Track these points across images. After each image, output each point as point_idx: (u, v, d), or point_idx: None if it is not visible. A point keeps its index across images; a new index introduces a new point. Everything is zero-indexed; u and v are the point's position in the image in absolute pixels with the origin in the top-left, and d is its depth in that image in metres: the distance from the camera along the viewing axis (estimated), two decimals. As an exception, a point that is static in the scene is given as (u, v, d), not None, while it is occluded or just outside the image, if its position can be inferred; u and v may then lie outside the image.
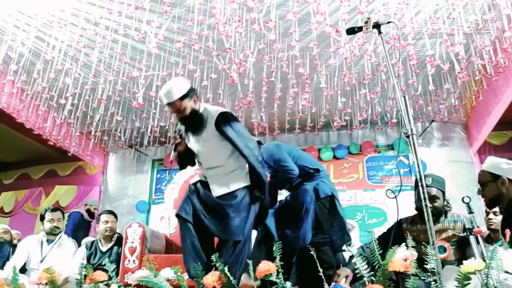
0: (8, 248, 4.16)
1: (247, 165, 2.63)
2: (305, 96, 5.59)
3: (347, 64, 5.05)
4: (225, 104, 5.90)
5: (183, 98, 2.55)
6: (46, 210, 3.85)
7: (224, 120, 2.61)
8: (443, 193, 2.78)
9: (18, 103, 5.67)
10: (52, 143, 6.59)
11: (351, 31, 2.47)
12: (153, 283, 1.55)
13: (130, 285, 1.72)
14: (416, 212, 2.85)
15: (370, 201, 6.88)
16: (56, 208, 3.93)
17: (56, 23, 4.55)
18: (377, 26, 2.35)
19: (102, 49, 4.66)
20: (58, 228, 3.75)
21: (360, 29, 2.42)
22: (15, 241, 5.02)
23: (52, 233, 3.73)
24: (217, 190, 2.55)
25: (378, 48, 4.73)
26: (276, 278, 1.63)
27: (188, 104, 2.58)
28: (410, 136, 2.07)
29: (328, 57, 4.87)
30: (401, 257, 1.83)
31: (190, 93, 2.60)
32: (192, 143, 2.70)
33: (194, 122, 2.63)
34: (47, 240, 3.72)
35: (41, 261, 3.54)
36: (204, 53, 4.71)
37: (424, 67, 5.07)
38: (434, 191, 2.71)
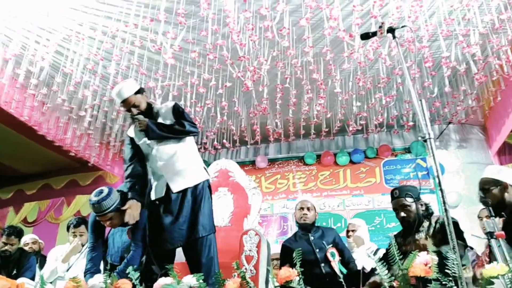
0: (34, 258, 4.26)
1: None
2: (320, 101, 5.61)
3: (362, 68, 5.05)
4: (240, 111, 5.95)
5: (136, 93, 2.67)
6: (70, 225, 3.90)
7: (179, 107, 2.74)
8: (416, 199, 2.72)
9: (39, 116, 5.82)
10: (72, 154, 6.73)
11: (366, 36, 2.49)
12: (177, 291, 1.58)
13: None
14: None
15: (388, 205, 6.74)
16: (79, 222, 3.95)
17: (74, 37, 4.68)
18: (391, 30, 2.35)
19: (119, 61, 4.76)
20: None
21: (374, 34, 2.43)
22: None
23: None
24: None
25: (392, 51, 4.71)
26: (298, 285, 1.64)
27: (142, 99, 2.70)
28: (428, 140, 2.06)
29: (342, 62, 4.87)
30: (422, 262, 1.83)
31: (141, 90, 2.74)
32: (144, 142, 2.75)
33: (150, 116, 2.71)
34: None
35: (67, 270, 3.63)
36: (219, 62, 4.77)
37: (440, 69, 5.02)
38: (403, 200, 2.73)
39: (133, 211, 2.51)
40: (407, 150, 7.19)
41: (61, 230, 7.76)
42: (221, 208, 4.03)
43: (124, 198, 2.70)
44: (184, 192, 2.62)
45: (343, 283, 1.76)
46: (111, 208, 2.58)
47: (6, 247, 4.00)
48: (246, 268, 3.04)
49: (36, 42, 4.82)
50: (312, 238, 3.46)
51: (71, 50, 4.81)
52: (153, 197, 2.68)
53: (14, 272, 3.89)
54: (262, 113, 5.91)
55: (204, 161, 3.11)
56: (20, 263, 4.02)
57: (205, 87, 5.11)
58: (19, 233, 4.15)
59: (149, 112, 2.73)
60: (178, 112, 2.70)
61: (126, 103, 2.66)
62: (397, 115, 6.22)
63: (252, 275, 3.05)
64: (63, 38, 4.78)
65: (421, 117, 2.13)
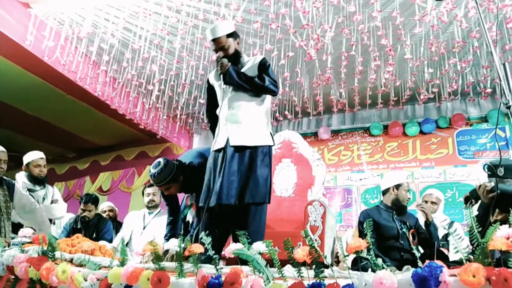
0: (111, 223, 4.62)
1: None
2: (389, 69, 5.32)
3: (434, 32, 4.70)
4: (303, 82, 5.84)
5: (228, 36, 2.62)
6: (145, 186, 4.31)
7: (266, 62, 2.68)
8: None
9: (111, 91, 6.14)
10: (142, 127, 7.08)
11: (441, -4, 2.29)
12: (247, 256, 1.62)
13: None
14: None
15: (461, 178, 6.44)
16: (152, 183, 4.27)
17: (141, 13, 4.81)
18: (471, -13, 2.15)
19: (184, 36, 4.85)
20: (154, 201, 4.17)
21: (451, -8, 2.24)
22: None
23: (149, 206, 4.17)
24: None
25: (469, 12, 4.33)
26: (367, 255, 1.61)
27: (233, 44, 2.64)
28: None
29: (413, 26, 4.56)
30: (503, 235, 1.70)
31: (235, 34, 2.68)
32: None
33: (236, 63, 2.65)
34: (149, 213, 4.18)
35: (144, 228, 3.96)
36: (281, 32, 4.67)
37: (525, 29, 4.55)
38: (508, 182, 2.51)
39: None
40: (484, 119, 6.68)
41: (133, 198, 8.27)
42: (285, 179, 4.07)
43: (181, 167, 2.80)
44: (242, 150, 2.47)
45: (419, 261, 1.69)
46: (167, 179, 2.71)
47: (84, 213, 4.37)
48: (311, 238, 3.05)
49: (106, 20, 5.04)
50: (396, 215, 3.42)
51: (138, 26, 4.96)
52: (213, 147, 2.61)
53: (94, 236, 4.25)
54: (326, 83, 5.76)
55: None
56: (98, 227, 4.40)
57: (267, 57, 5.05)
58: (95, 200, 4.51)
59: (236, 59, 2.67)
60: (264, 66, 2.64)
61: (216, 43, 2.61)
62: (473, 81, 5.75)
63: (317, 245, 3.06)
64: (131, 15, 4.94)
65: (504, 83, 1.96)
